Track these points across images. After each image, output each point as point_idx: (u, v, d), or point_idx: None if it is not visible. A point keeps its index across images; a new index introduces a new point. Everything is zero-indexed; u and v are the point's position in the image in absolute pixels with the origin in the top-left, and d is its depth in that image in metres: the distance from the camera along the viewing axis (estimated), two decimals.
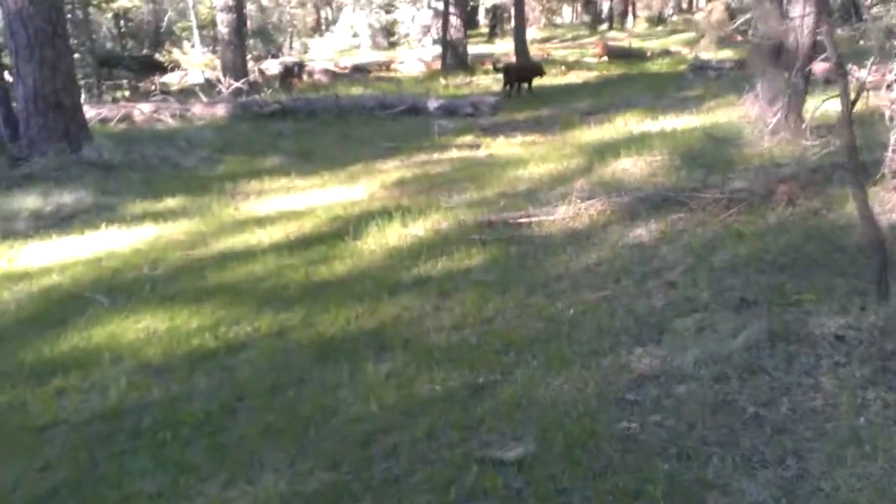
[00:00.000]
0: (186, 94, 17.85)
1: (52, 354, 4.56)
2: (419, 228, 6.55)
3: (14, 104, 10.20)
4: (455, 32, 22.01)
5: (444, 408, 3.63)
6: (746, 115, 8.69)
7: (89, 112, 14.38)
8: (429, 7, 36.91)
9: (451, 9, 21.84)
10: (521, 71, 17.60)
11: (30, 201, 8.11)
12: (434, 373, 3.98)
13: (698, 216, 5.98)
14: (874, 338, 3.67)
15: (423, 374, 3.98)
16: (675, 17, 48.79)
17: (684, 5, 57.05)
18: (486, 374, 3.91)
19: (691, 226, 5.80)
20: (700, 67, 16.16)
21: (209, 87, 18.70)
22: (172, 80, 24.09)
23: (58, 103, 9.87)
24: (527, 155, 9.68)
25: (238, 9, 19.32)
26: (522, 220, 6.45)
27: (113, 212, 8.10)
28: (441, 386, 3.84)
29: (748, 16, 7.01)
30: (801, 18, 7.88)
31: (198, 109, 15.02)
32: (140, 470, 3.38)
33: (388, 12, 38.38)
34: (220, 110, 14.86)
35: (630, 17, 45.42)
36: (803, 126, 8.23)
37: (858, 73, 11.89)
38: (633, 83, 17.02)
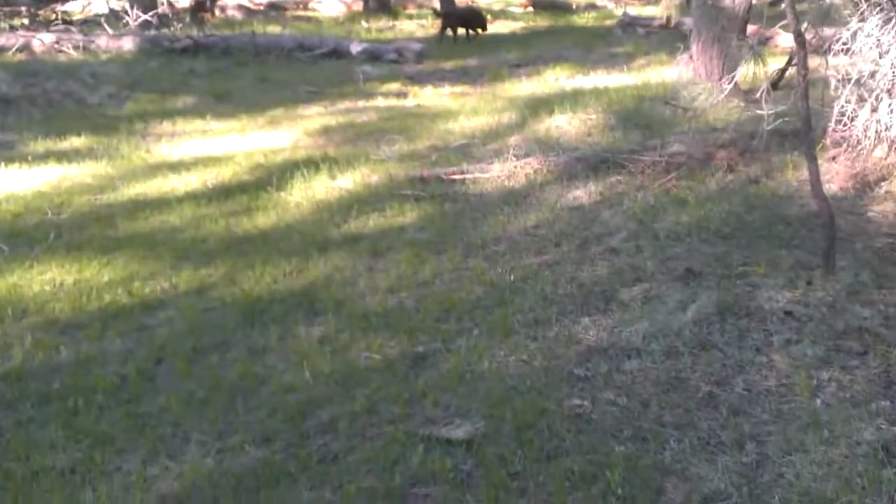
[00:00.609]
0: (90, 24, 16.68)
1: None
2: (348, 181, 6.23)
3: None
4: None
5: (383, 379, 3.40)
6: (680, 76, 8.60)
7: None
8: None
9: None
10: (463, 19, 16.93)
11: None
12: (371, 339, 3.74)
13: (637, 179, 5.85)
14: (823, 315, 3.61)
15: (358, 341, 3.73)
16: None
17: None
18: (426, 343, 3.69)
19: (631, 189, 5.67)
20: (629, 24, 16.07)
21: (115, 18, 17.51)
22: (75, 8, 22.57)
23: None
24: (456, 106, 9.38)
25: None
26: (456, 177, 6.20)
27: (11, 150, 7.45)
28: (379, 354, 3.61)
29: None
30: None
31: (103, 42, 14.05)
32: (49, 441, 3.06)
33: None
34: (128, 44, 13.94)
35: None
36: (738, 88, 8.29)
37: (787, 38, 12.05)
38: (562, 36, 16.80)
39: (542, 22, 20.42)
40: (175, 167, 6.79)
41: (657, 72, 11.05)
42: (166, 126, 8.48)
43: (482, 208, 5.57)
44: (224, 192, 6.06)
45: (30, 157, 7.01)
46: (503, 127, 8.01)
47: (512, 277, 4.35)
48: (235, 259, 4.71)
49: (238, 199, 5.87)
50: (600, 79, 10.83)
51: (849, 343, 3.39)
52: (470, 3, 23.48)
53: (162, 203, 5.83)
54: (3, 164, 6.80)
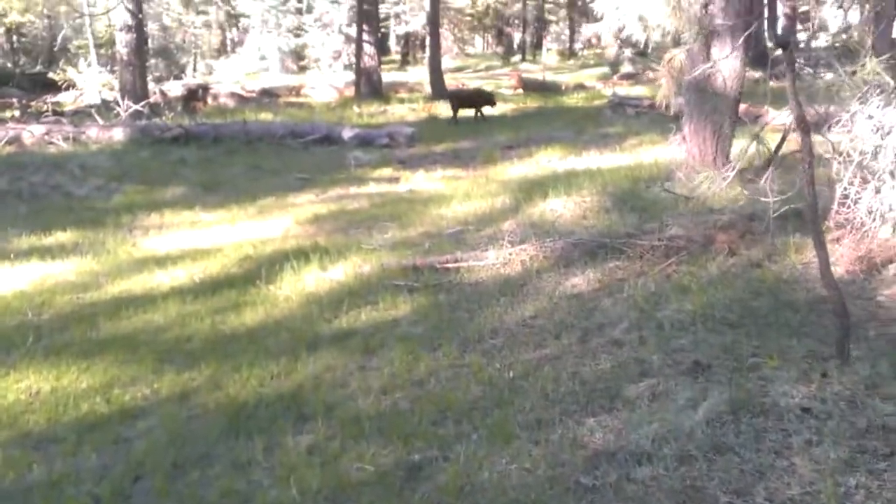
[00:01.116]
0: (81, 115, 16.79)
1: None
2: (339, 272, 6.06)
3: None
4: (369, 60, 21.63)
5: (376, 493, 3.16)
6: (673, 157, 8.56)
7: None
8: (339, 32, 36.53)
9: (365, 36, 21.48)
10: (470, 98, 17.47)
11: None
12: (363, 448, 3.50)
13: (636, 265, 5.69)
14: (843, 411, 3.40)
15: (349, 450, 3.49)
16: (584, 52, 49.95)
17: (593, 41, 58.58)
18: (422, 450, 3.45)
19: (630, 275, 5.51)
20: (619, 104, 16.23)
21: (106, 108, 17.67)
22: (67, 99, 22.81)
23: None
24: (449, 191, 9.33)
25: (138, 29, 18.38)
26: (450, 265, 6.04)
27: None
28: (372, 464, 3.36)
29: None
30: (726, 61, 7.81)
31: (93, 133, 14.09)
32: None
33: (297, 36, 37.73)
34: (118, 134, 13.98)
35: (544, 49, 46.07)
36: (731, 169, 8.23)
37: (777, 116, 12.13)
38: (552, 117, 16.97)
39: (532, 103, 20.69)
40: (162, 261, 6.63)
41: (649, 152, 11.07)
42: (154, 218, 8.36)
43: (478, 299, 5.39)
44: (211, 287, 5.88)
45: (13, 255, 6.85)
46: (497, 211, 7.91)
47: (511, 374, 4.14)
48: (221, 360, 4.49)
49: (225, 295, 5.68)
50: (593, 160, 10.84)
51: (873, 443, 3.17)
52: (456, 87, 23.87)
53: (146, 300, 5.64)
54: None
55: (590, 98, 22.46)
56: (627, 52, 33.17)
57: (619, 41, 40.96)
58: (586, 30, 46.22)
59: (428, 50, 26.15)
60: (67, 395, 4.10)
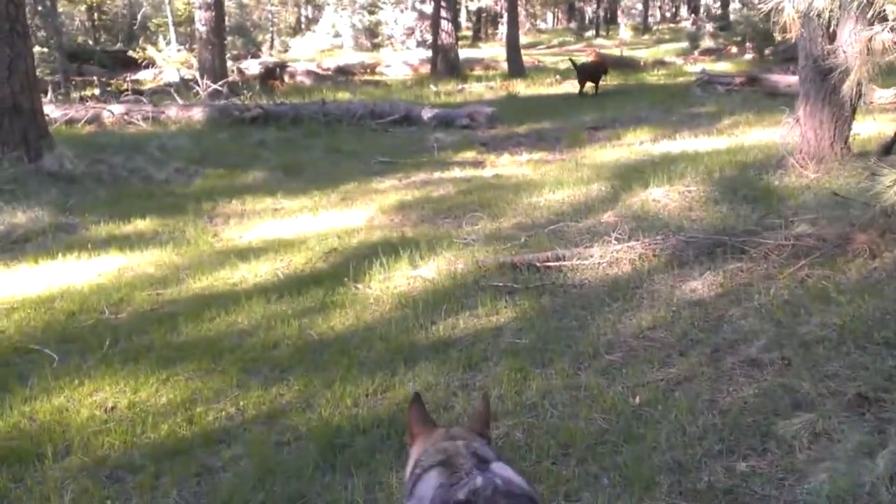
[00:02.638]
0: (161, 94, 16.77)
1: None
2: (430, 269, 5.62)
3: None
4: (446, 37, 21.11)
5: None
6: (784, 141, 7.85)
7: (55, 112, 13.36)
8: (413, 9, 36.06)
9: (442, 12, 20.93)
10: (596, 71, 17.35)
11: None
12: None
13: (761, 267, 5.10)
14: None
15: None
16: (659, 26, 48.43)
17: (667, 14, 56.77)
18: (543, 495, 2.99)
19: (756, 280, 4.93)
20: (707, 82, 15.36)
21: (185, 87, 17.64)
22: (147, 77, 22.95)
23: (14, 107, 8.83)
24: (538, 176, 8.81)
25: (217, 6, 18.28)
26: (551, 264, 5.54)
27: (73, 235, 7.10)
28: None
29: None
30: (850, 38, 7.05)
31: (173, 112, 14.00)
32: None
33: (371, 13, 37.41)
34: (197, 114, 13.84)
35: (621, 25, 44.83)
36: (850, 154, 7.51)
37: (883, 95, 11.18)
38: (636, 96, 16.21)
39: (612, 80, 19.84)
40: (244, 254, 6.30)
41: (750, 134, 10.35)
42: (235, 205, 8.06)
43: (586, 303, 4.89)
44: (297, 285, 5.50)
45: (90, 244, 6.60)
46: (594, 201, 7.37)
47: (637, 400, 3.64)
48: (310, 373, 4.11)
49: (312, 294, 5.30)
50: (688, 143, 10.18)
51: None
52: (533, 63, 23.16)
53: (229, 298, 5.30)
54: (62, 253, 6.40)
55: (672, 75, 21.53)
56: (708, 27, 31.87)
57: (698, 15, 39.43)
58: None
59: (505, 26, 25.49)
60: (146, 412, 3.76)
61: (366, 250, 6.22)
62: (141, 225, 7.33)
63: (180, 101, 15.17)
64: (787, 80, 13.97)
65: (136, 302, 5.37)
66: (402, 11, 36.59)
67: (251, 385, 4.02)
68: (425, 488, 1.82)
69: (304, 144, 11.63)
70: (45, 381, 4.15)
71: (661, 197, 7.04)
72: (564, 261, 5.56)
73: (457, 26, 25.40)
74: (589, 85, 17.07)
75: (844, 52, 7.10)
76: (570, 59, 18.14)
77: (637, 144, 10.35)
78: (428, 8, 33.93)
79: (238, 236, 7.01)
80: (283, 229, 7.14)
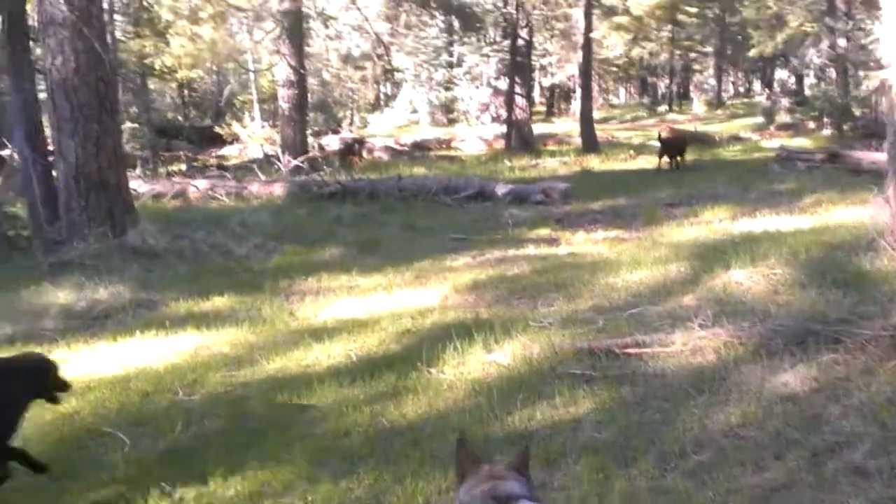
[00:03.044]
0: (244, 169, 17.30)
1: None
2: (505, 354, 5.47)
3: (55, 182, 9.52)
4: (520, 112, 21.33)
5: None
6: (873, 221, 7.50)
7: (143, 187, 13.90)
8: (488, 85, 36.68)
9: (517, 88, 21.18)
10: (679, 144, 17.10)
11: (62, 295, 7.26)
12: None
13: (859, 360, 4.79)
14: None
15: None
16: (733, 101, 47.94)
17: (741, 89, 56.24)
18: None
19: (854, 374, 4.62)
20: (786, 158, 15.01)
21: (267, 162, 18.17)
22: (232, 152, 23.81)
23: (101, 182, 9.13)
24: (614, 255, 8.62)
25: (300, 84, 18.93)
26: (631, 350, 5.33)
27: (152, 311, 7.21)
28: None
29: None
30: None
31: (255, 188, 14.41)
32: None
33: (447, 89, 38.20)
34: (278, 189, 14.21)
35: (694, 99, 44.61)
36: None
37: None
38: (712, 172, 15.93)
39: (688, 156, 19.62)
40: (318, 333, 6.27)
41: (834, 213, 9.99)
42: (311, 283, 8.09)
43: (669, 395, 4.66)
44: (369, 368, 5.42)
45: (168, 321, 6.67)
46: (672, 282, 7.12)
47: None
48: (381, 466, 3.97)
49: (384, 378, 5.20)
50: (769, 221, 9.86)
51: None
52: (607, 139, 23.11)
53: (302, 381, 5.24)
54: (140, 330, 6.48)
55: (748, 150, 21.18)
56: (784, 102, 31.40)
57: (772, 90, 38.88)
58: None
59: (579, 101, 25.62)
60: None
61: (439, 332, 6.12)
62: (219, 302, 7.41)
63: (262, 177, 15.60)
64: (870, 156, 13.56)
65: (209, 383, 5.37)
66: (477, 88, 37.27)
67: (320, 478, 3.91)
68: None
69: (379, 220, 11.73)
70: (117, 467, 4.13)
71: (743, 279, 6.77)
72: (645, 347, 5.35)
73: (531, 101, 25.74)
74: (665, 160, 16.79)
75: None
76: (659, 133, 17.69)
77: (716, 223, 10.08)
78: (502, 84, 34.49)
79: (313, 315, 7.01)
80: (357, 308, 7.11)
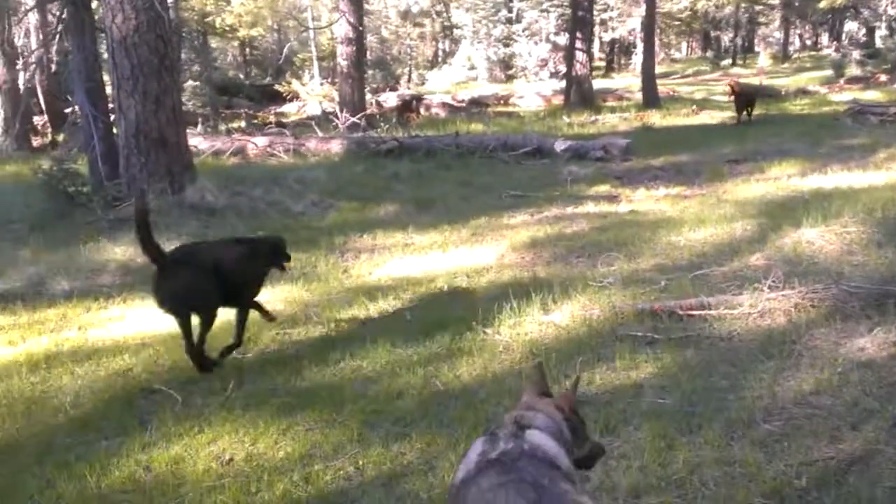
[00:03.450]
0: (302, 126, 17.27)
1: (90, 493, 3.52)
2: (563, 315, 5.30)
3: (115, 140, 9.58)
4: (580, 68, 20.76)
5: None
6: None
7: (203, 144, 13.95)
8: (547, 41, 35.95)
9: (578, 43, 20.61)
10: (754, 97, 17.02)
11: (119, 251, 7.32)
12: None
13: None
14: None
15: None
16: (800, 54, 46.16)
17: (808, 42, 54.00)
18: None
19: None
20: (859, 112, 14.29)
21: (326, 119, 18.12)
22: (291, 109, 23.84)
23: (161, 140, 9.14)
24: (676, 213, 8.31)
25: (358, 41, 18.73)
26: (695, 312, 5.10)
27: None
28: None
29: None
30: None
31: (312, 144, 14.34)
32: None
33: (506, 45, 37.60)
34: (336, 146, 14.11)
35: (760, 53, 43.15)
36: None
37: None
38: (779, 127, 15.31)
39: (753, 110, 18.92)
40: (372, 292, 6.18)
41: None
42: (366, 240, 8.01)
43: (736, 360, 4.44)
44: (423, 327, 5.31)
45: None
46: (738, 241, 6.82)
47: (803, 482, 3.19)
48: (434, 430, 3.87)
49: (438, 339, 5.08)
50: (840, 177, 9.41)
51: None
52: (667, 94, 22.45)
53: (355, 341, 5.16)
54: None
55: (816, 104, 20.32)
56: (855, 55, 30.03)
57: (841, 43, 37.20)
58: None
59: (641, 56, 24.91)
60: (262, 466, 3.62)
61: (495, 291, 5.97)
62: None
63: (320, 134, 15.54)
64: None
65: (263, 341, 5.33)
66: (535, 44, 36.60)
67: (372, 440, 3.82)
68: (471, 453, 2.13)
69: (436, 177, 11.56)
70: (166, 425, 4.12)
71: (815, 238, 6.44)
72: (710, 309, 5.11)
73: (591, 57, 25.10)
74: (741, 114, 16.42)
75: None
76: (730, 85, 17.22)
77: (784, 179, 9.65)
78: (562, 39, 33.80)
79: (368, 273, 6.92)
80: (412, 266, 7.00)
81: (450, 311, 5.67)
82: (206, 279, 4.73)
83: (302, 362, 4.87)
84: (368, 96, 20.93)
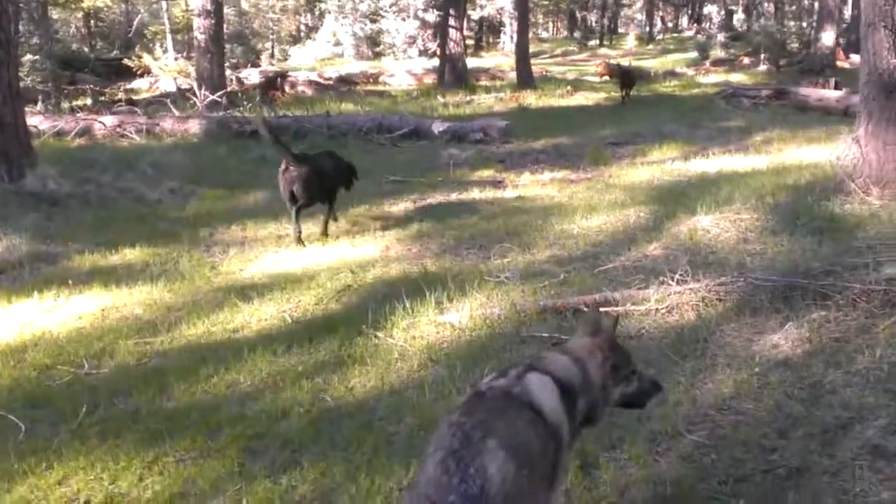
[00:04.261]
0: (156, 105, 16.01)
1: None
2: (461, 314, 4.87)
3: None
4: (454, 46, 20.43)
5: None
6: (841, 162, 7.13)
7: (44, 124, 12.67)
8: (415, 17, 35.50)
9: (451, 21, 20.24)
10: (633, 75, 17.77)
11: None
12: None
13: (850, 317, 4.37)
14: None
15: None
16: (663, 36, 48.04)
17: (669, 24, 56.32)
18: None
19: (851, 334, 4.19)
20: (732, 94, 14.68)
21: (182, 97, 16.89)
22: (142, 86, 22.29)
23: None
24: (566, 199, 8.08)
25: (217, 14, 17.58)
26: (601, 309, 4.80)
27: (53, 266, 6.36)
28: None
29: None
30: None
31: (168, 124, 13.26)
32: None
33: (373, 21, 36.85)
34: (194, 126, 13.12)
35: (630, 35, 44.52)
36: None
37: None
38: (654, 108, 15.54)
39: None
40: (246, 292, 5.55)
41: (790, 153, 9.66)
42: (235, 231, 7.32)
43: (649, 361, 4.13)
44: (307, 331, 4.76)
45: (71, 281, 5.83)
46: (634, 229, 6.63)
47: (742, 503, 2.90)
48: (329, 455, 3.36)
49: (326, 345, 4.55)
50: (723, 161, 9.49)
51: None
52: (540, 73, 22.58)
53: (229, 349, 4.55)
54: (38, 290, 5.64)
55: (686, 86, 20.92)
56: (720, 37, 31.32)
57: (700, 25, 38.91)
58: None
59: (508, 35, 24.83)
60: None
61: (384, 288, 5.50)
62: (130, 255, 6.59)
63: (177, 113, 14.45)
64: (818, 93, 13.34)
65: (120, 353, 4.63)
66: (403, 20, 36.03)
67: (256, 472, 3.27)
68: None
69: None
70: (7, 461, 3.41)
71: (710, 226, 6.31)
72: (616, 305, 4.82)
73: (464, 35, 24.81)
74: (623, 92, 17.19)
75: None
76: (617, 63, 18.19)
77: (667, 162, 9.64)
78: (430, 16, 33.41)
79: (239, 269, 6.27)
80: (288, 261, 6.40)
81: (336, 313, 5.15)
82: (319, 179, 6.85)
83: (167, 378, 4.22)
84: (229, 73, 19.80)
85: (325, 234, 6.99)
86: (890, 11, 6.51)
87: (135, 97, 19.09)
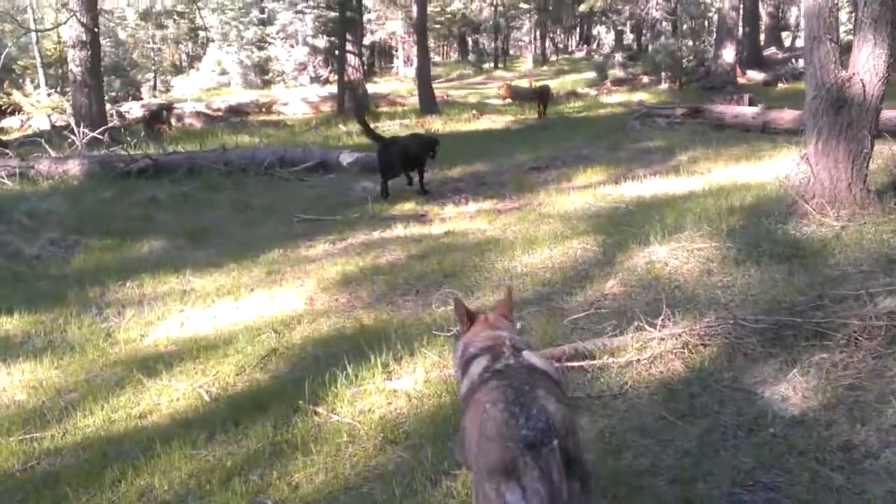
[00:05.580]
0: (29, 145, 14.58)
1: None
2: (414, 379, 4.18)
3: None
4: (353, 72, 19.71)
5: None
6: (790, 181, 6.81)
7: None
8: (304, 44, 34.64)
9: (349, 46, 19.54)
10: (547, 94, 19.03)
11: None
12: None
13: (856, 358, 3.90)
14: None
15: None
16: (557, 57, 48.86)
17: (560, 45, 57.40)
18: None
19: (863, 379, 3.71)
20: (647, 114, 14.52)
21: (58, 136, 15.48)
22: (13, 124, 20.59)
23: None
24: (499, 232, 7.47)
25: (93, 45, 16.27)
26: (572, 364, 4.20)
27: None
28: None
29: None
30: (868, 62, 6.13)
31: (44, 166, 12.00)
32: None
33: (260, 48, 35.75)
34: (74, 167, 11.92)
35: (529, 56, 45.04)
36: (869, 195, 6.53)
37: None
38: (567, 130, 15.26)
39: (531, 113, 19.02)
40: (151, 364, 4.68)
41: (721, 172, 9.38)
42: (131, 289, 6.35)
43: (644, 427, 3.56)
44: (232, 412, 3.96)
45: None
46: (584, 265, 6.06)
47: None
48: None
49: (256, 427, 3.76)
50: (655, 184, 9.09)
51: None
52: (441, 98, 22.19)
53: (138, 443, 3.70)
54: None
55: (591, 107, 20.90)
56: (618, 57, 31.79)
57: (600, 45, 39.66)
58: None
59: (413, 59, 24.32)
60: None
61: (316, 351, 4.75)
62: (7, 324, 5.58)
63: (53, 153, 13.14)
64: (734, 110, 13.32)
65: (1, 455, 3.69)
66: (292, 46, 35.09)
67: None
68: (476, 369, 2.49)
69: (205, 201, 9.94)
70: None
71: (667, 257, 5.82)
72: (590, 359, 4.23)
73: (363, 60, 24.09)
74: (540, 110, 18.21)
75: (862, 79, 6.20)
76: (531, 83, 18.96)
77: (598, 187, 9.18)
78: (320, 42, 32.58)
79: (139, 336, 5.35)
80: (198, 322, 5.53)
81: (263, 385, 4.36)
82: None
83: (62, 488, 3.34)
84: (109, 107, 18.45)
85: (423, 191, 9.89)
86: (835, 24, 6.25)
87: (4, 137, 17.50)
